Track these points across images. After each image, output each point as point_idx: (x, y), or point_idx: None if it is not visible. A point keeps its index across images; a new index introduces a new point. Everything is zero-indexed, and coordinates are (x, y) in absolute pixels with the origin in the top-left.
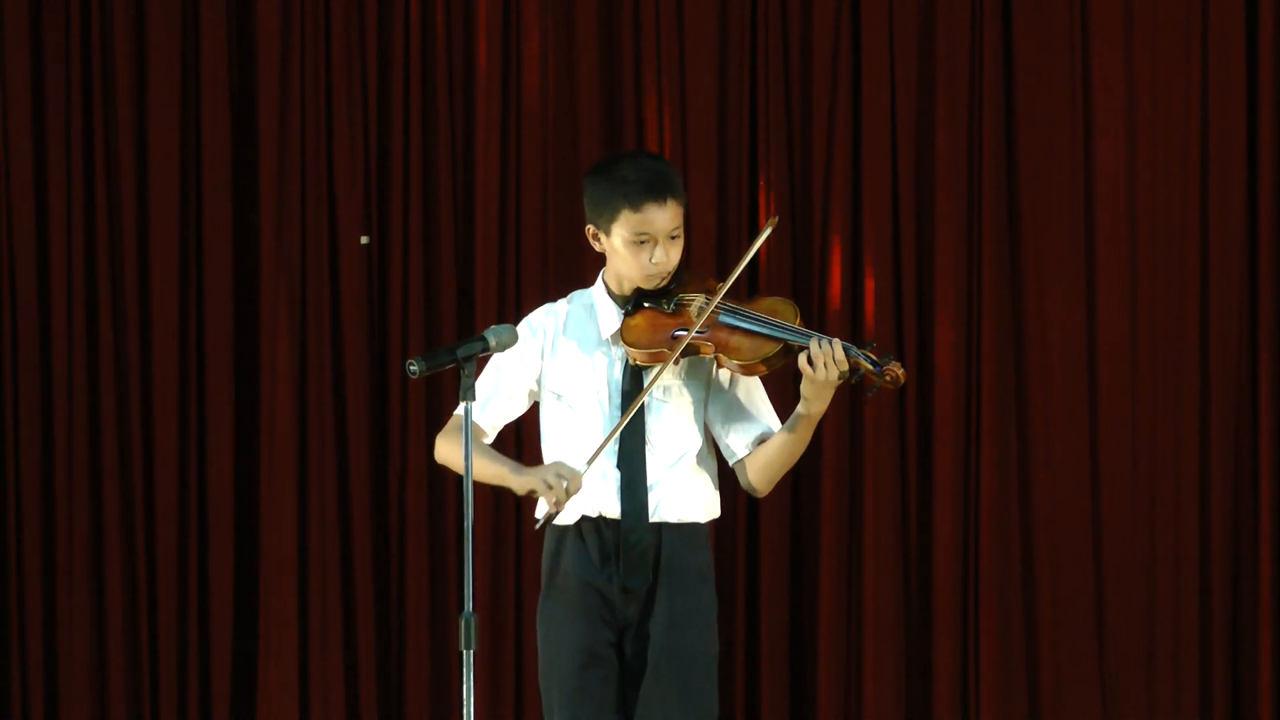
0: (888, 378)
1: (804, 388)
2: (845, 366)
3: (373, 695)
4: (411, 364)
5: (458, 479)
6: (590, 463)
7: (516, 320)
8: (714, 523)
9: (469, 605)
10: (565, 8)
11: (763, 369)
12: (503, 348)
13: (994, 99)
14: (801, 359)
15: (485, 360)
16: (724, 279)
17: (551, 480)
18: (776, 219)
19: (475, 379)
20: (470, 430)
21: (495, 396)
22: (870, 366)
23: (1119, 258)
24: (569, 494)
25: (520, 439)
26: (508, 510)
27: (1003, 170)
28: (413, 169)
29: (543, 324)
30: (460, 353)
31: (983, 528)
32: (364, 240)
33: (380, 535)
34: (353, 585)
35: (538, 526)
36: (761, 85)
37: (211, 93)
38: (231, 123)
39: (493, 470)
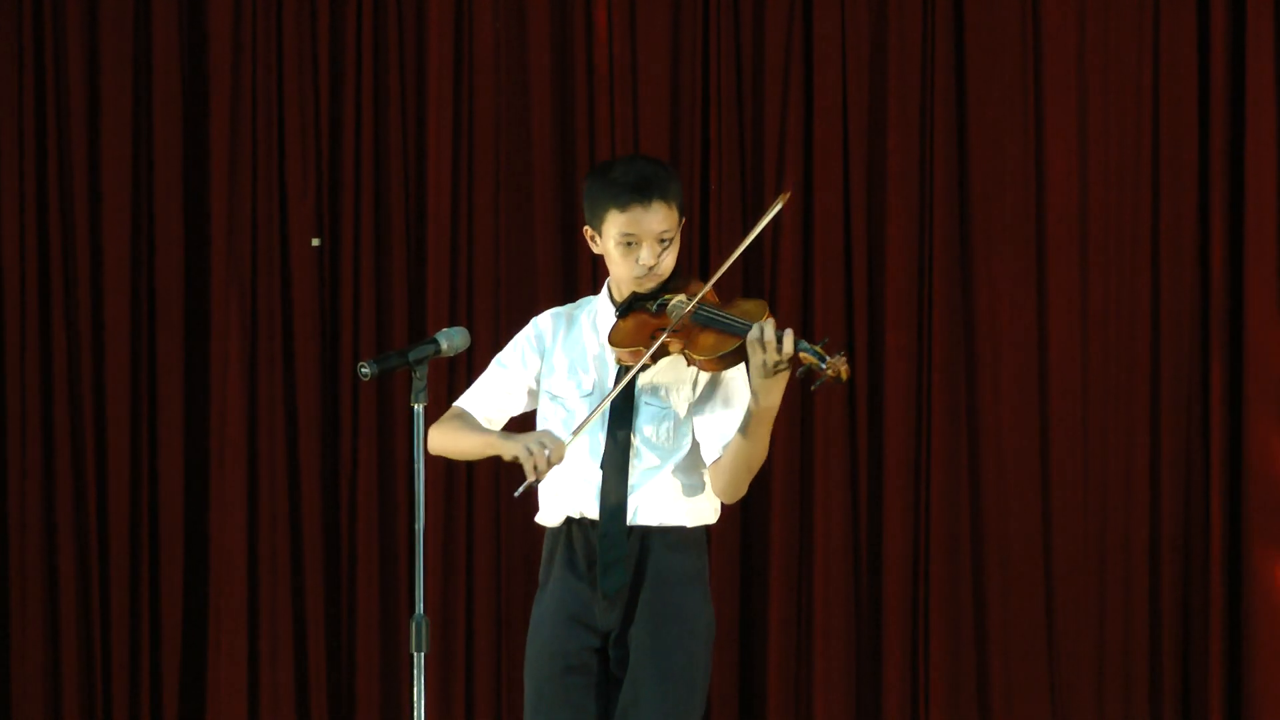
0: (830, 372)
1: (751, 379)
2: (785, 355)
3: (323, 698)
4: (363, 366)
5: (408, 480)
6: (575, 434)
7: (469, 322)
8: (710, 529)
9: (420, 607)
10: (518, 7)
11: (722, 365)
12: (455, 350)
13: (945, 101)
14: (749, 348)
15: (437, 362)
16: (714, 281)
17: (533, 447)
18: (789, 194)
19: (426, 383)
20: (422, 436)
21: (492, 390)
22: (815, 359)
23: (1070, 260)
24: (550, 463)
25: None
26: (459, 511)
27: (954, 172)
28: (364, 170)
29: (547, 326)
30: (412, 355)
31: (933, 536)
32: (315, 242)
33: (331, 537)
34: (303, 588)
35: (516, 494)
36: (714, 87)
37: (163, 93)
38: (183, 123)
39: (482, 440)
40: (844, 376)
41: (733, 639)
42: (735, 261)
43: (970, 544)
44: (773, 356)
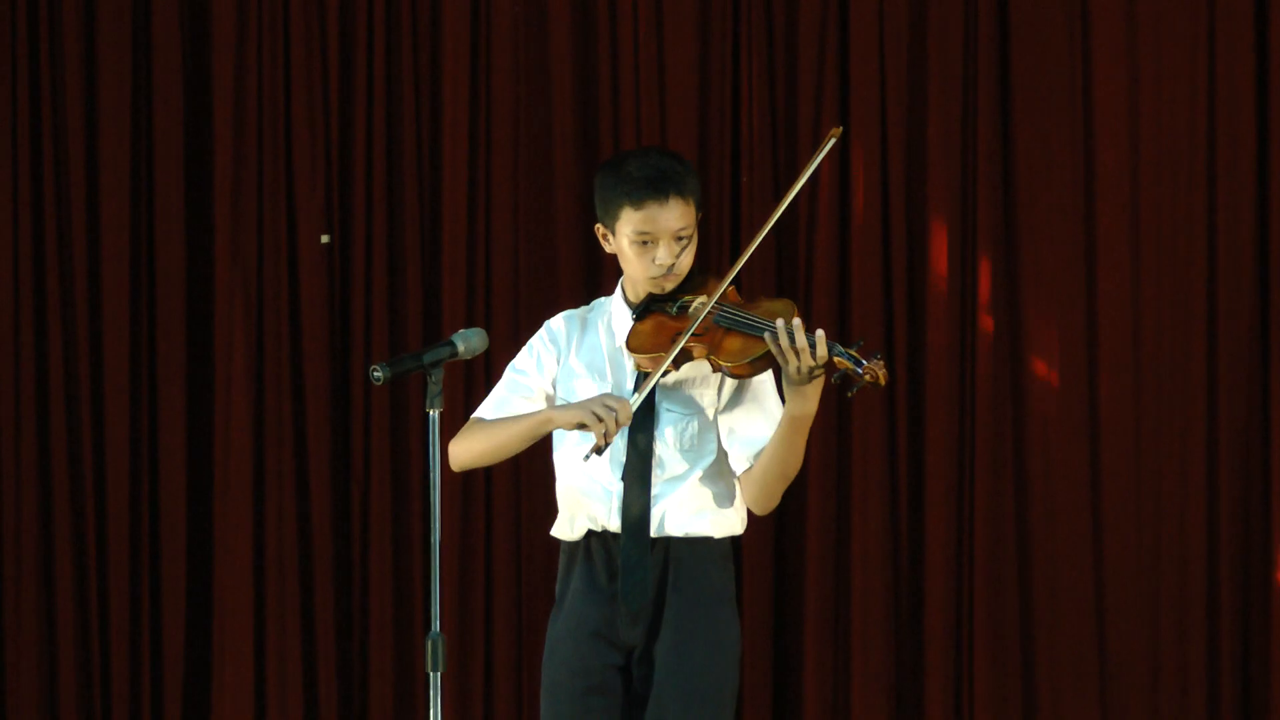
0: (868, 377)
1: (784, 387)
2: (820, 360)
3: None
4: (375, 370)
5: (423, 490)
6: (641, 394)
7: (487, 324)
8: (735, 540)
9: (436, 624)
10: None
11: (751, 370)
12: (471, 352)
13: (989, 93)
14: (776, 350)
15: (452, 365)
16: (735, 281)
17: (600, 411)
18: (840, 128)
19: (441, 385)
20: (438, 445)
21: (510, 398)
22: (850, 364)
23: (1121, 257)
24: (619, 425)
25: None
26: (477, 523)
27: (998, 166)
28: (376, 163)
29: (561, 329)
30: (427, 358)
31: (977, 546)
32: (324, 239)
33: (342, 551)
34: (312, 604)
35: (585, 459)
36: (745, 76)
37: (163, 81)
38: (184, 113)
39: (528, 422)
40: (882, 381)
41: (765, 653)
42: (765, 259)
43: (1016, 554)
44: (806, 362)
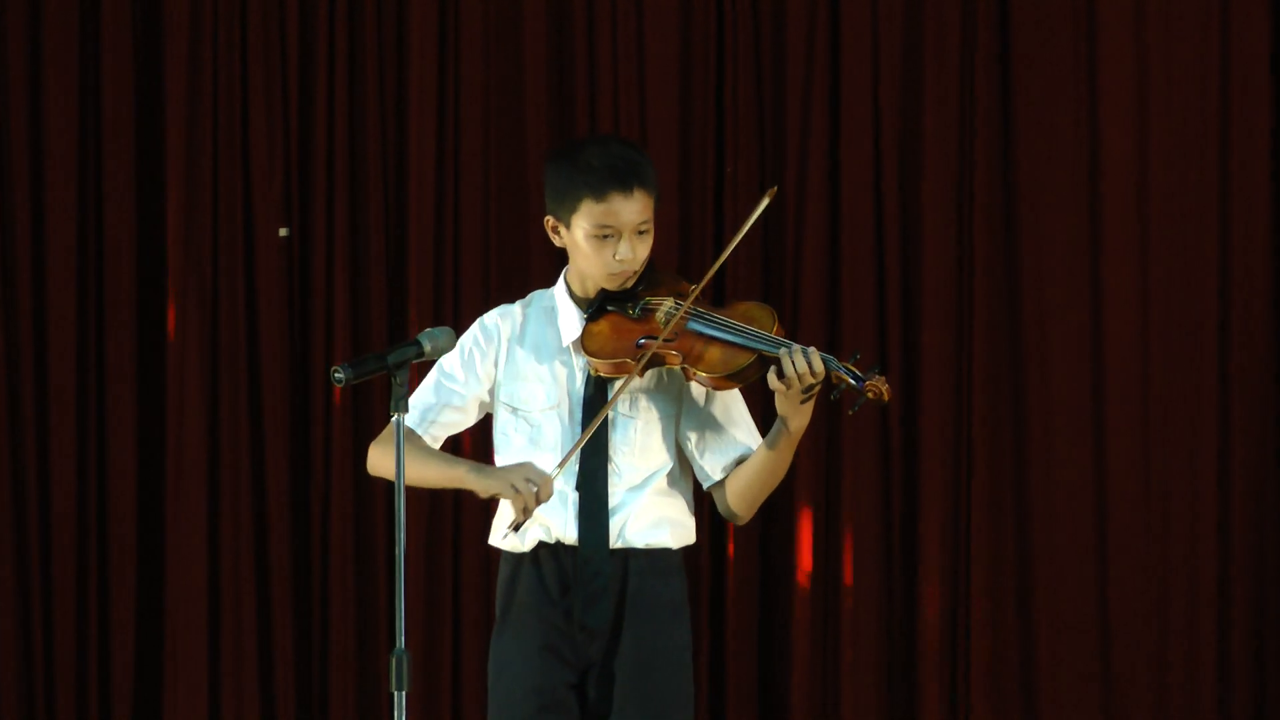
0: (870, 394)
1: (779, 404)
2: (818, 378)
3: None
4: (336, 371)
5: (387, 498)
6: (561, 466)
7: (456, 324)
8: (689, 550)
9: (401, 641)
10: None
11: (733, 384)
12: (439, 353)
13: (988, 77)
14: (771, 374)
15: (421, 367)
16: (697, 280)
17: (519, 484)
18: (775, 189)
19: (409, 387)
20: (403, 445)
21: (439, 407)
22: (851, 381)
23: (1129, 248)
24: (539, 500)
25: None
26: (445, 533)
27: (998, 156)
28: (338, 150)
29: (497, 327)
30: (391, 359)
31: (974, 561)
32: (283, 232)
33: (301, 561)
34: (269, 618)
35: (503, 539)
36: (730, 61)
37: (112, 63)
38: (134, 96)
39: (446, 472)
40: (886, 398)
41: (751, 675)
42: (752, 256)
43: (1015, 568)
44: (805, 380)
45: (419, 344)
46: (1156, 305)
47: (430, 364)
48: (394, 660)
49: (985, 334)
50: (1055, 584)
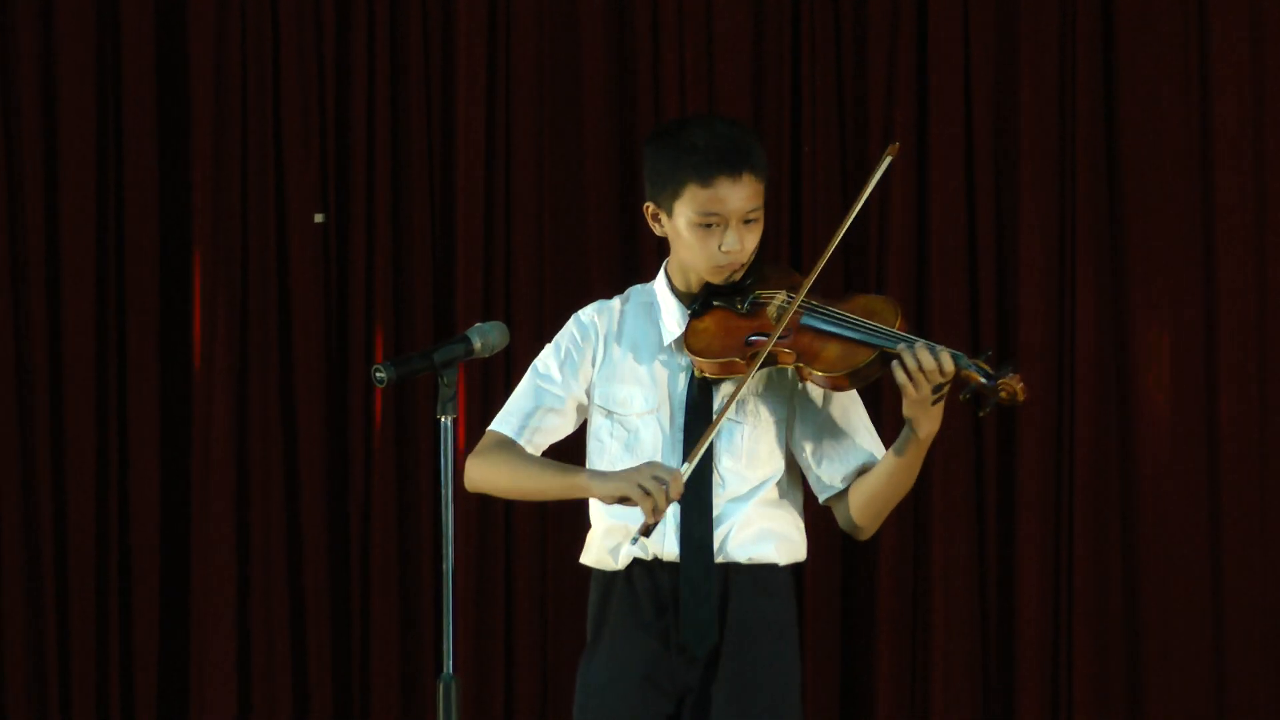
0: (1003, 393)
1: (906, 406)
2: (948, 377)
3: None
4: (378, 370)
5: (434, 510)
6: (692, 463)
7: (508, 319)
8: (798, 568)
9: (449, 665)
10: None
11: (853, 383)
12: (490, 350)
13: (1089, 48)
14: (899, 372)
15: (469, 366)
16: (809, 272)
17: (649, 484)
18: (897, 145)
19: (456, 390)
20: (452, 457)
21: (540, 411)
22: (984, 380)
23: (1243, 239)
24: (670, 500)
25: None
26: (496, 549)
27: (1100, 134)
28: (379, 131)
29: (594, 323)
30: (438, 357)
31: (1077, 582)
32: (319, 218)
33: (339, 580)
34: (304, 640)
35: (634, 542)
36: (806, 28)
37: (133, 38)
38: (156, 76)
39: (559, 480)
40: (1021, 398)
41: (833, 694)
42: (835, 248)
43: (1122, 589)
44: (933, 379)
45: (468, 340)
46: (1274, 297)
47: (481, 361)
48: (441, 687)
49: (1089, 329)
50: (1164, 589)
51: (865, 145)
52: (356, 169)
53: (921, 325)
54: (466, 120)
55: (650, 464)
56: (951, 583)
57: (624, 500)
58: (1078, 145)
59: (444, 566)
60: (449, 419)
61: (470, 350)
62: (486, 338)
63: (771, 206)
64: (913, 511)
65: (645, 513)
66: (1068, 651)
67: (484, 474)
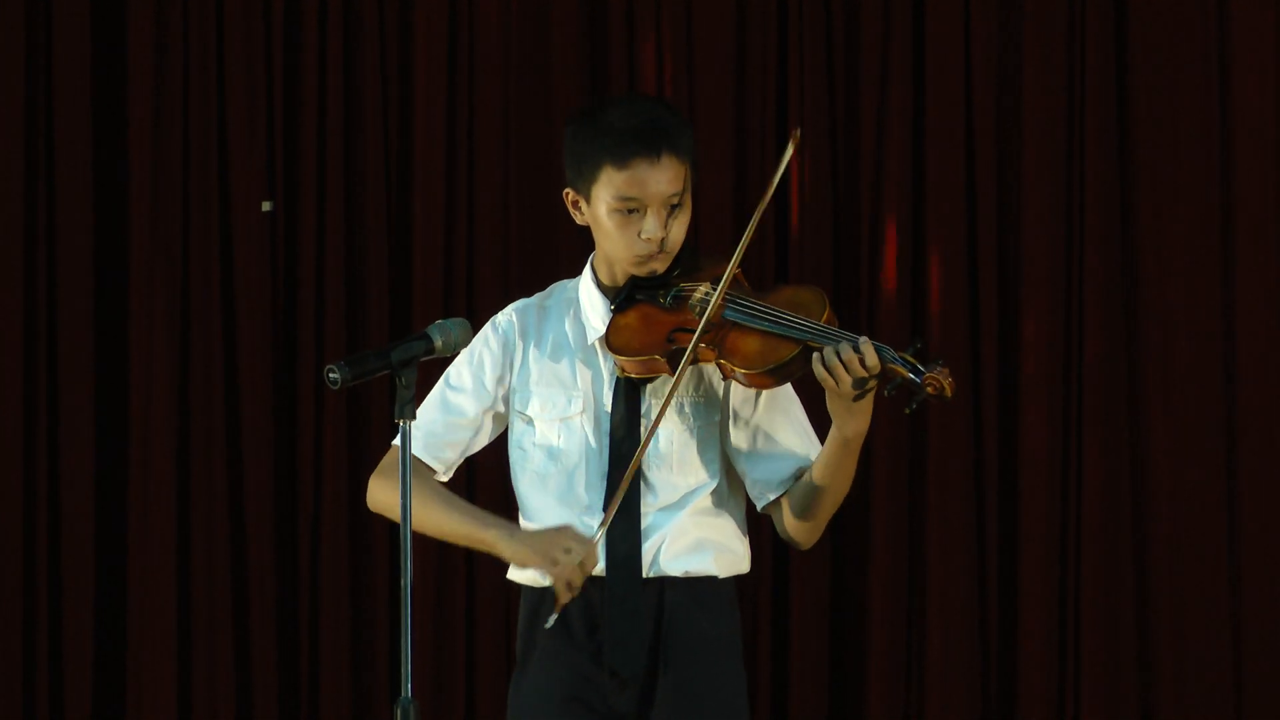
0: (930, 388)
1: (829, 405)
2: (871, 371)
3: None
4: (331, 371)
5: (390, 521)
6: (605, 526)
7: (470, 314)
8: (740, 580)
9: (407, 689)
10: None
11: (773, 381)
12: (452, 349)
13: (1099, 26)
14: (815, 365)
15: (430, 366)
16: (739, 257)
17: (558, 555)
18: (798, 132)
19: (414, 391)
20: (409, 463)
21: (448, 422)
22: (909, 375)
23: (1265, 232)
24: (584, 572)
25: (470, 478)
26: (457, 564)
27: (1111, 117)
28: (329, 114)
29: (511, 324)
30: (395, 356)
31: (1084, 596)
32: (266, 206)
33: (287, 595)
34: (249, 658)
35: (548, 626)
36: (794, 15)
37: (65, 12)
38: (92, 56)
39: (462, 527)
40: (949, 393)
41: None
42: (820, 246)
43: (1135, 587)
44: (856, 373)
45: (428, 338)
46: None
47: (440, 361)
48: (398, 711)
49: (1097, 324)
50: (1177, 594)
51: (857, 133)
52: (306, 153)
53: (920, 325)
54: (425, 103)
55: (561, 530)
56: (948, 597)
57: (527, 566)
58: (1086, 133)
59: (402, 582)
60: (408, 422)
61: (430, 348)
62: (448, 335)
63: (753, 197)
64: (905, 502)
65: (557, 590)
66: (1075, 660)
67: (386, 498)
